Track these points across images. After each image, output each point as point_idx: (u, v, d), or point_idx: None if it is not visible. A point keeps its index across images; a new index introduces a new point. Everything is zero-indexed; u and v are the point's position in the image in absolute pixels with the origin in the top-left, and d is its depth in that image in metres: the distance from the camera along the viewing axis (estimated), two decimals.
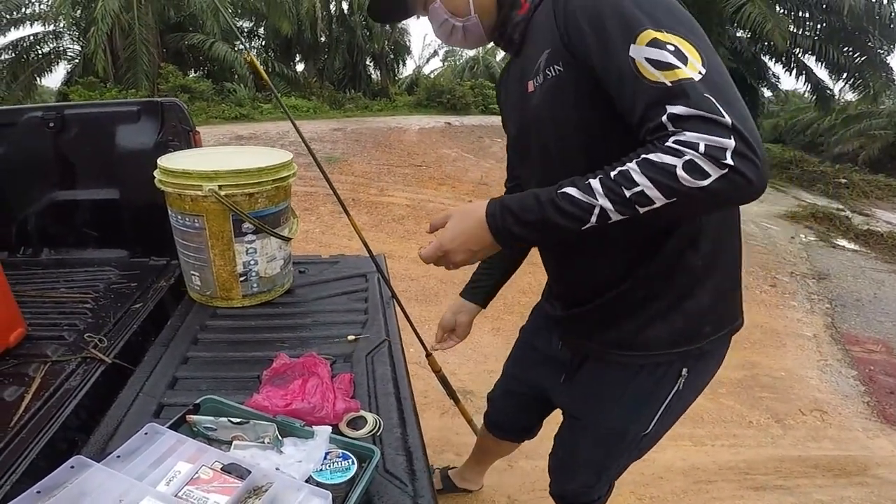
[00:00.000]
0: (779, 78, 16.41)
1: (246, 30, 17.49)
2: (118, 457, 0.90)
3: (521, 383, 1.58)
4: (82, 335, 1.43)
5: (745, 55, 14.68)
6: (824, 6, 11.71)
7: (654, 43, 0.76)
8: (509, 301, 3.89)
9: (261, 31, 18.08)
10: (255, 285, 1.64)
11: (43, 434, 1.08)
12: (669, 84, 0.74)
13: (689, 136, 0.72)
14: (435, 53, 25.85)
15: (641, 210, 0.77)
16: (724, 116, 0.72)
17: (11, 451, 1.03)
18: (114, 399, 1.19)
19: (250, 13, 16.73)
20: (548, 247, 1.17)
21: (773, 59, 14.49)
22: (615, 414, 1.21)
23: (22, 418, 1.12)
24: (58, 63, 15.88)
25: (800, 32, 12.57)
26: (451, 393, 1.88)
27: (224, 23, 14.70)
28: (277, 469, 0.92)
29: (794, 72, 13.99)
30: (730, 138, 0.71)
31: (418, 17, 1.12)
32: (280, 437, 1.00)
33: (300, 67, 20.81)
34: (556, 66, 0.91)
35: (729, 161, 0.71)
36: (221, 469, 0.89)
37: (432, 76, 24.10)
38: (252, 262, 1.59)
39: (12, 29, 15.08)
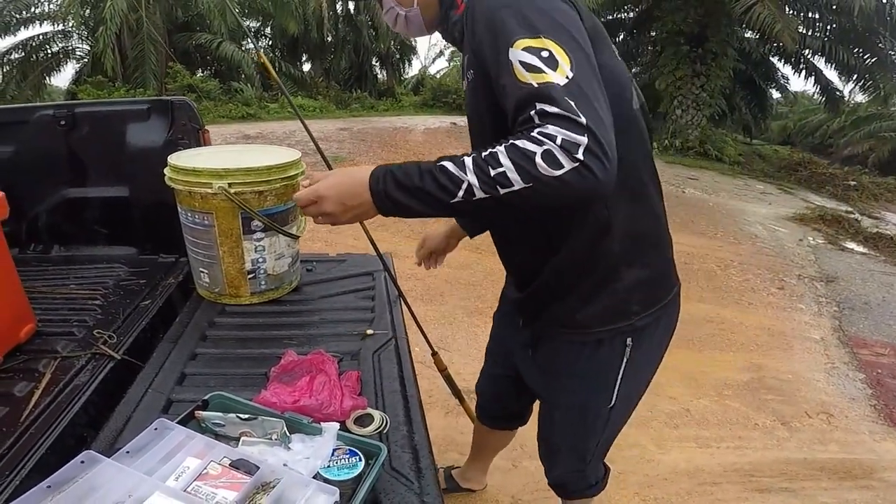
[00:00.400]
0: (788, 79, 16.41)
1: (253, 29, 17.54)
2: (127, 452, 0.91)
3: (501, 367, 1.63)
4: (92, 331, 1.44)
5: (753, 56, 14.64)
6: (834, 7, 11.66)
7: (529, 49, 0.85)
8: None
9: (267, 30, 18.16)
10: (263, 283, 1.64)
11: (52, 429, 1.09)
12: (536, 85, 0.83)
13: (549, 129, 0.80)
14: (441, 53, 25.94)
15: (502, 191, 0.83)
16: (580, 117, 0.80)
17: (21, 445, 1.04)
18: (122, 395, 1.20)
19: (257, 13, 16.80)
20: (422, 217, 1.11)
21: (783, 61, 14.47)
22: (573, 389, 1.29)
23: (32, 413, 1.13)
24: (66, 62, 16.01)
25: (809, 33, 12.53)
26: (456, 392, 1.89)
27: (232, 22, 14.75)
28: (285, 465, 0.92)
29: (803, 73, 13.97)
30: (584, 136, 0.79)
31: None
32: (288, 434, 1.00)
33: (307, 67, 20.90)
34: (471, 71, 1.01)
35: (580, 156, 0.79)
36: (230, 465, 0.90)
37: (438, 76, 24.16)
38: (260, 260, 1.60)
39: (22, 28, 15.21)
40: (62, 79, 16.83)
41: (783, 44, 10.51)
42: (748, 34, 13.62)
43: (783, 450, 2.80)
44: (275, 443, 1.00)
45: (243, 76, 16.35)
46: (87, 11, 14.51)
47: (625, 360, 1.21)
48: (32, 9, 15.09)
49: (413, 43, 22.14)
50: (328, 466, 0.95)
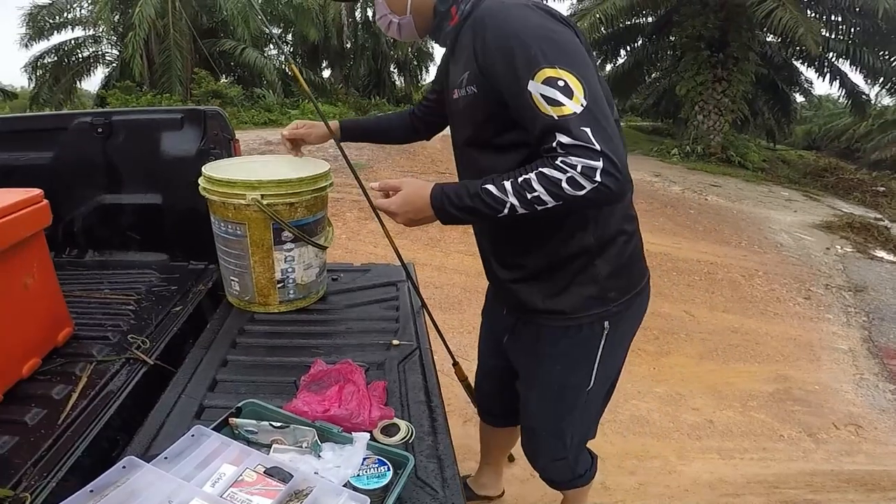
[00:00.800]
0: (811, 83, 16.14)
1: (275, 36, 17.78)
2: (166, 458, 0.93)
3: (493, 360, 1.66)
4: (126, 336, 1.48)
5: (776, 60, 14.43)
6: (858, 9, 11.44)
7: (548, 80, 0.96)
8: None
9: (289, 37, 18.37)
10: (291, 292, 1.67)
11: (88, 433, 1.12)
12: (557, 118, 0.96)
13: (571, 159, 0.94)
14: None
15: (539, 208, 0.99)
16: (594, 144, 0.94)
17: (58, 448, 1.07)
18: (154, 400, 1.23)
19: (279, 20, 17.02)
20: (477, 226, 1.38)
21: (806, 64, 14.22)
22: (553, 371, 1.37)
23: (69, 416, 1.16)
24: (97, 67, 16.39)
25: (833, 37, 12.32)
26: (476, 402, 1.89)
27: (255, 29, 14.96)
28: (316, 473, 0.94)
29: (827, 77, 13.70)
30: (599, 161, 0.93)
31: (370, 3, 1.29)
32: (319, 442, 1.02)
33: (326, 74, 21.10)
34: (471, 87, 1.12)
35: (598, 178, 0.94)
36: (264, 472, 0.92)
37: None
38: (290, 270, 1.63)
39: (55, 33, 15.62)
40: (92, 83, 17.26)
41: (806, 47, 10.35)
42: (770, 38, 13.43)
43: (809, 461, 2.75)
44: (305, 451, 1.02)
45: (265, 82, 16.57)
46: (117, 17, 14.84)
47: (602, 342, 1.31)
48: (65, 13, 15.50)
49: (430, 49, 22.25)
50: (358, 475, 0.96)
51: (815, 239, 7.20)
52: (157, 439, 1.09)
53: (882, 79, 12.55)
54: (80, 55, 16.13)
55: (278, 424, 1.04)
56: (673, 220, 7.02)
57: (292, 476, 0.90)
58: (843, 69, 13.40)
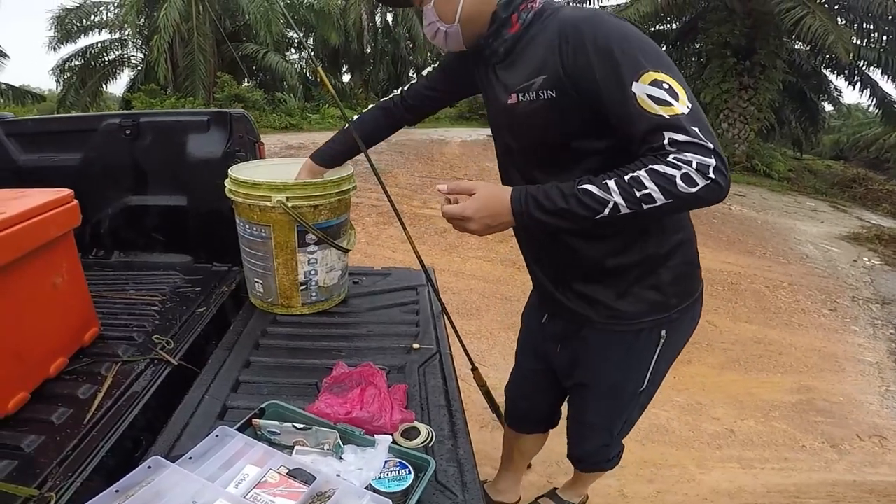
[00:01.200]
0: (841, 92, 15.80)
1: (295, 41, 17.99)
2: (190, 458, 0.94)
3: (530, 366, 1.70)
4: (150, 337, 1.49)
5: (804, 68, 14.19)
6: (890, 17, 11.20)
7: (654, 82, 0.98)
8: None
9: (310, 41, 18.58)
10: (314, 294, 1.68)
11: (113, 432, 1.13)
12: (668, 117, 0.97)
13: (686, 155, 0.96)
14: None
15: (645, 207, 0.98)
16: (707, 142, 0.96)
17: (84, 448, 1.08)
18: (177, 400, 1.24)
19: (300, 24, 17.23)
20: (556, 232, 1.28)
21: (835, 73, 13.95)
22: (612, 374, 1.41)
23: (94, 416, 1.18)
24: (122, 70, 16.70)
25: (864, 45, 12.05)
26: (495, 407, 1.88)
27: (277, 33, 15.14)
28: (338, 475, 0.94)
29: (857, 85, 13.42)
30: (712, 158, 0.96)
31: (420, 5, 1.25)
32: (342, 445, 1.02)
33: (346, 78, 21.27)
34: (549, 91, 1.10)
35: (711, 175, 0.96)
36: (287, 473, 0.93)
37: None
38: (313, 272, 1.64)
39: (82, 36, 15.95)
40: (118, 86, 17.59)
41: (836, 55, 10.16)
42: (799, 46, 13.22)
43: (831, 472, 2.71)
44: (327, 453, 1.02)
45: (286, 86, 16.76)
46: (143, 20, 15.11)
47: (658, 348, 1.35)
48: (92, 17, 15.82)
49: None
50: (379, 478, 0.96)
51: (841, 250, 7.07)
52: (181, 440, 1.10)
53: None
54: (106, 58, 16.44)
55: (301, 426, 1.05)
56: (696, 230, 6.91)
57: (315, 478, 0.91)
58: (873, 78, 13.14)
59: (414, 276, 1.99)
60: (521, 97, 1.16)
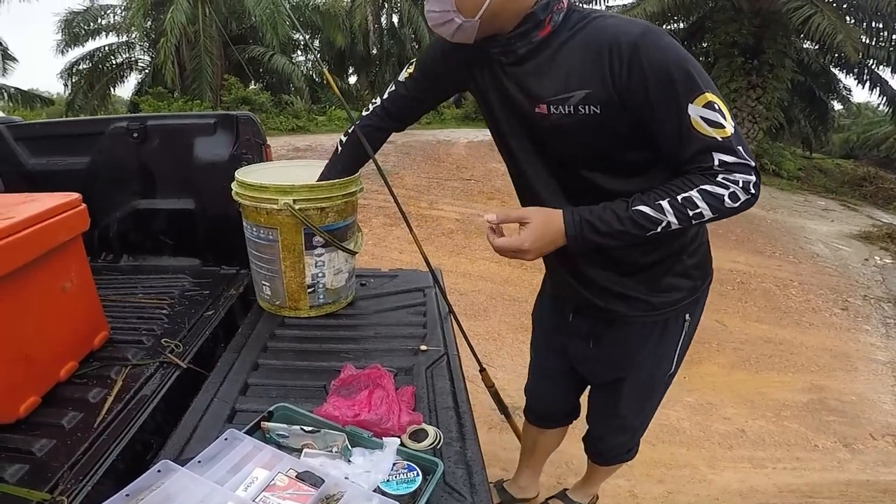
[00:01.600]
0: (850, 90, 15.67)
1: (301, 42, 18.02)
2: (199, 462, 0.94)
3: (549, 364, 1.71)
4: (160, 340, 1.50)
5: (813, 67, 14.09)
6: None
7: (708, 104, 1.02)
8: None
9: (316, 43, 18.61)
10: (321, 297, 1.68)
11: (123, 436, 1.14)
12: (720, 139, 1.02)
13: (734, 176, 1.03)
14: None
15: (695, 223, 1.07)
16: (750, 161, 1.04)
17: (94, 452, 1.09)
18: (186, 403, 1.24)
19: (306, 26, 17.27)
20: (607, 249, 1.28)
21: (844, 71, 13.84)
22: (649, 364, 1.45)
23: (105, 420, 1.18)
24: (129, 73, 16.78)
25: (873, 43, 11.95)
26: (503, 408, 1.87)
27: (283, 35, 15.17)
28: (347, 478, 0.94)
29: (867, 84, 13.31)
30: (753, 175, 1.04)
31: None
32: (350, 447, 1.02)
33: (352, 80, 21.30)
34: (592, 107, 1.07)
35: (752, 190, 1.05)
36: (296, 476, 0.92)
37: None
38: (320, 275, 1.64)
39: (90, 39, 16.04)
40: (126, 90, 17.69)
41: (845, 54, 10.07)
42: (807, 45, 13.12)
43: (844, 471, 2.70)
44: (336, 455, 1.02)
45: (293, 89, 16.80)
46: (149, 23, 15.19)
47: (684, 332, 1.41)
48: (99, 20, 15.90)
49: None
50: (387, 480, 0.96)
51: (852, 249, 7.01)
52: (190, 443, 1.10)
53: None
54: (113, 62, 16.51)
55: (309, 429, 1.05)
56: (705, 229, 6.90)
57: (323, 481, 0.91)
58: (883, 76, 13.04)
59: (421, 278, 1.98)
60: (553, 109, 1.11)
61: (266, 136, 1.99)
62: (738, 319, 4.39)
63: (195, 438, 1.11)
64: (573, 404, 1.81)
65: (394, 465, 0.99)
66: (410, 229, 1.61)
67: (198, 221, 2.04)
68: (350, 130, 1.52)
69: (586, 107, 1.07)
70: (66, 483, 0.99)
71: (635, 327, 1.38)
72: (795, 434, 2.95)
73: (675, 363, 1.47)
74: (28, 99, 15.17)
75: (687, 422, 2.91)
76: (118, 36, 16.47)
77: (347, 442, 1.03)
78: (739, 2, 11.48)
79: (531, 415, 1.88)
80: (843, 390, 3.49)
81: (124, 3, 15.46)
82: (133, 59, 16.80)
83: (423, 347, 1.50)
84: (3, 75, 14.61)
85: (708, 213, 1.05)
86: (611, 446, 1.71)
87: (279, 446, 1.04)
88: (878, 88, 13.27)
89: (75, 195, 1.36)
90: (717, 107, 1.02)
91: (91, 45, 16.17)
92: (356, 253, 1.73)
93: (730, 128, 1.03)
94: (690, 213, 1.04)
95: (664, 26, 14.24)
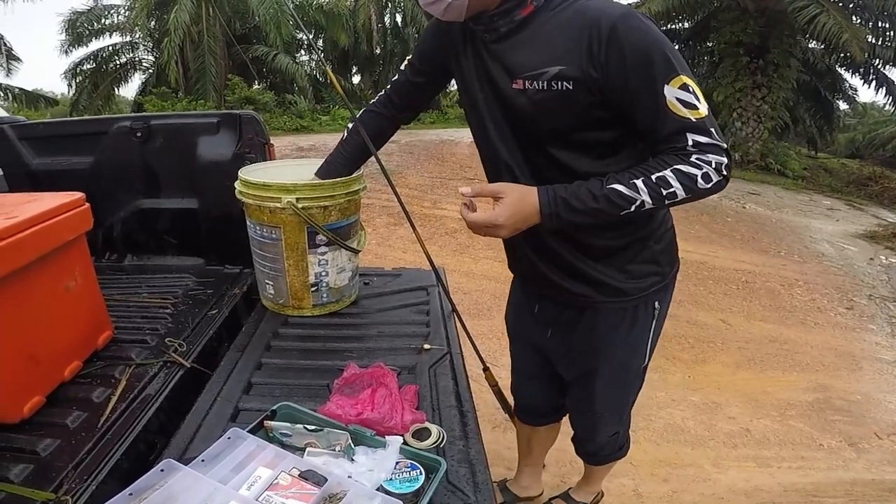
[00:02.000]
0: (856, 90, 15.65)
1: (305, 42, 18.06)
2: (202, 461, 0.94)
3: (527, 361, 1.71)
4: (163, 339, 1.50)
5: (818, 67, 14.06)
6: None
7: (683, 86, 1.04)
8: None
9: (320, 43, 18.64)
10: (324, 295, 1.68)
11: (127, 435, 1.14)
12: (694, 120, 1.05)
13: (707, 156, 1.06)
14: None
15: (667, 203, 1.09)
16: (722, 143, 1.07)
17: (98, 451, 1.09)
18: (189, 402, 1.24)
19: (310, 26, 17.30)
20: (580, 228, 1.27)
21: (850, 71, 13.81)
22: (620, 353, 1.44)
23: (109, 419, 1.18)
24: (133, 73, 16.84)
25: (879, 43, 11.92)
26: (507, 407, 1.87)
27: (287, 35, 15.19)
28: (350, 477, 0.94)
29: (872, 84, 13.28)
30: (724, 157, 1.07)
31: None
32: (353, 446, 1.02)
33: (356, 79, 21.32)
34: (564, 83, 1.08)
35: (724, 172, 1.08)
36: (299, 475, 0.92)
37: None
38: (323, 274, 1.64)
39: (94, 39, 16.10)
40: (130, 89, 17.73)
41: (851, 54, 10.05)
42: (813, 44, 13.08)
43: (849, 470, 2.69)
44: (339, 454, 1.01)
45: (297, 88, 16.82)
46: (153, 23, 15.22)
47: (654, 320, 1.41)
48: (103, 20, 15.95)
49: None
50: (390, 479, 0.96)
51: (858, 249, 6.98)
52: (194, 442, 1.10)
53: None
54: (117, 62, 16.58)
55: (312, 428, 1.05)
56: (709, 228, 6.89)
57: (326, 479, 0.90)
58: (889, 76, 13.02)
59: (424, 277, 1.98)
60: (528, 84, 1.12)
61: (269, 135, 1.99)
62: (742, 319, 4.37)
63: (199, 437, 1.11)
64: (557, 401, 1.78)
65: (397, 463, 0.99)
66: (414, 228, 1.61)
67: (201, 220, 2.03)
68: (358, 116, 1.55)
69: (559, 82, 1.08)
70: (70, 482, 0.99)
71: (604, 313, 1.38)
72: (800, 433, 2.94)
73: (647, 353, 1.47)
74: (32, 99, 15.24)
75: (691, 421, 2.90)
76: (122, 36, 16.57)
77: (350, 441, 1.02)
78: (745, 1, 11.46)
79: (519, 412, 1.88)
80: (849, 389, 3.47)
81: (128, 3, 15.53)
82: (137, 59, 16.88)
83: (427, 346, 1.50)
84: (8, 75, 14.71)
85: (681, 193, 1.07)
86: (598, 446, 1.69)
87: (282, 445, 1.03)
88: (884, 88, 13.25)
89: (79, 194, 1.36)
90: (691, 89, 1.04)
91: (95, 45, 16.28)
92: (359, 251, 1.73)
93: (703, 109, 1.05)
94: (664, 192, 1.06)
95: (670, 26, 14.24)
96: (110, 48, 16.43)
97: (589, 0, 1.08)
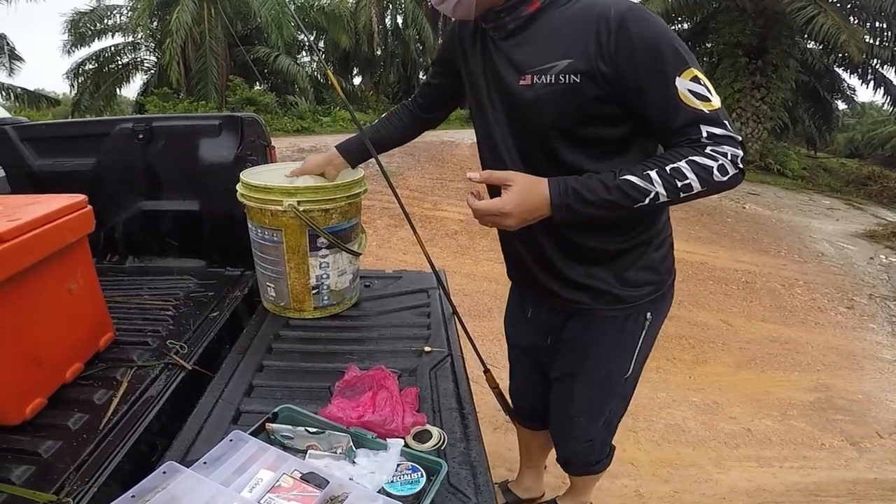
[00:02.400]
0: (854, 90, 15.68)
1: (306, 44, 18.06)
2: (205, 463, 0.94)
3: (523, 364, 1.69)
4: (165, 341, 1.50)
5: (817, 67, 14.07)
6: None
7: (695, 78, 1.02)
8: None
9: (321, 44, 18.64)
10: (325, 298, 1.69)
11: (129, 437, 1.14)
12: (707, 111, 1.03)
13: (722, 148, 1.02)
14: None
15: (683, 195, 1.04)
16: (738, 136, 1.04)
17: (100, 453, 1.09)
18: (191, 405, 1.24)
19: (311, 27, 17.29)
20: (586, 222, 1.22)
21: (848, 71, 13.83)
22: (603, 359, 1.41)
23: (110, 421, 1.18)
24: (135, 74, 16.81)
25: (877, 43, 11.93)
26: (507, 409, 1.87)
27: (288, 36, 15.19)
28: (351, 479, 0.94)
29: (871, 84, 13.30)
30: (740, 149, 1.04)
31: None
32: (354, 448, 1.02)
33: (357, 81, 21.33)
34: (572, 76, 1.07)
35: (740, 164, 1.04)
36: (301, 478, 0.93)
37: None
38: (324, 276, 1.65)
39: (96, 40, 16.08)
40: (131, 90, 17.72)
41: (849, 54, 10.06)
42: (811, 45, 13.09)
43: (851, 470, 2.69)
44: (340, 456, 1.02)
45: (298, 90, 16.82)
46: (155, 23, 15.20)
47: (644, 331, 1.37)
48: (105, 20, 15.93)
49: None
50: (392, 481, 0.96)
51: (857, 248, 6.99)
52: (196, 444, 1.10)
53: None
54: (119, 62, 16.54)
55: (313, 430, 1.05)
56: (709, 229, 6.89)
57: (328, 482, 0.91)
58: (887, 76, 13.03)
59: (425, 279, 1.98)
60: (535, 79, 1.11)
61: (271, 137, 2.00)
62: (743, 319, 4.38)
63: (200, 440, 1.11)
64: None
65: (398, 466, 1.00)
66: (414, 230, 1.61)
67: (203, 223, 2.04)
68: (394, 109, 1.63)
69: (567, 76, 1.07)
70: (72, 484, 1.00)
71: (595, 320, 1.35)
72: (802, 433, 2.94)
73: (632, 365, 1.43)
74: (34, 99, 15.23)
75: (693, 421, 2.91)
76: (124, 36, 16.54)
77: (352, 443, 1.03)
78: (743, 2, 11.47)
79: (518, 414, 1.87)
80: (850, 389, 3.48)
81: (130, 4, 15.52)
82: (139, 59, 16.86)
83: (427, 349, 1.50)
84: (10, 75, 14.69)
85: (696, 186, 1.03)
86: (570, 451, 1.66)
87: (284, 447, 1.04)
88: (882, 88, 13.27)
89: (81, 197, 1.36)
90: (702, 81, 1.03)
91: (97, 45, 16.24)
92: (360, 254, 1.73)
93: (716, 101, 1.03)
94: (679, 184, 1.02)
95: (669, 26, 14.23)
96: (112, 48, 16.41)
97: None
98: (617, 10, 1.02)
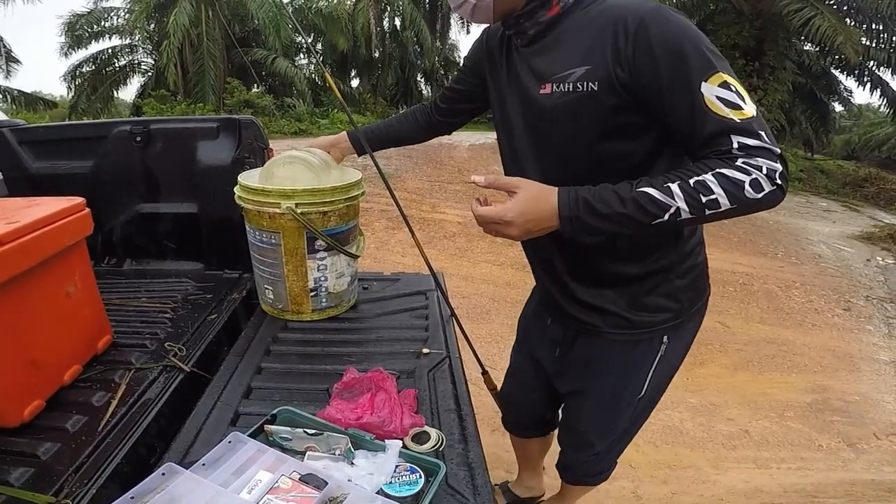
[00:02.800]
0: (851, 92, 15.71)
1: (304, 46, 18.08)
2: (203, 464, 0.95)
3: (526, 371, 1.66)
4: (163, 344, 1.50)
5: (813, 69, 14.11)
6: None
7: (724, 84, 0.92)
8: None
9: (318, 46, 18.65)
10: (324, 300, 1.69)
11: (127, 439, 1.14)
12: (738, 120, 0.91)
13: (756, 160, 0.90)
14: None
15: (709, 212, 0.92)
16: (775, 147, 0.92)
17: (98, 455, 1.09)
18: (189, 407, 1.24)
19: (309, 29, 17.31)
20: (603, 237, 1.17)
21: (845, 73, 13.87)
22: (611, 381, 1.36)
23: (109, 423, 1.19)
24: (132, 76, 16.81)
25: (874, 45, 11.97)
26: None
27: (286, 38, 15.20)
28: (349, 480, 0.95)
29: (867, 86, 13.34)
30: (778, 164, 0.91)
31: None
32: (353, 450, 1.02)
33: (355, 83, 21.36)
34: (590, 83, 1.00)
35: (778, 181, 0.91)
36: (299, 479, 0.93)
37: None
38: (322, 279, 1.65)
39: (93, 42, 16.07)
40: (128, 92, 17.70)
41: (845, 56, 10.09)
42: (808, 47, 13.14)
43: (849, 471, 2.71)
44: (339, 458, 1.02)
45: (296, 92, 16.83)
46: (153, 26, 15.19)
47: (658, 356, 1.29)
48: (103, 22, 15.93)
49: (457, 59, 22.37)
50: (390, 483, 0.97)
51: (854, 250, 7.02)
52: (194, 446, 1.10)
53: None
54: (116, 64, 16.54)
55: (312, 432, 1.05)
56: (706, 231, 6.84)
57: (327, 483, 0.91)
58: (884, 78, 13.06)
59: (423, 281, 1.99)
60: (555, 87, 1.05)
61: (268, 139, 2.00)
62: (740, 321, 4.39)
63: (199, 442, 1.11)
64: (545, 416, 1.75)
65: (396, 467, 1.00)
66: (412, 232, 1.62)
67: (201, 225, 2.04)
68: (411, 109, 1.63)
69: (584, 83, 1.00)
70: (70, 486, 1.00)
71: (608, 342, 1.29)
72: (799, 434, 2.96)
73: (646, 387, 1.35)
74: (31, 101, 15.20)
75: (690, 423, 2.92)
76: (121, 38, 16.54)
77: (350, 444, 1.03)
78: (740, 4, 11.52)
79: (506, 423, 1.85)
80: (847, 390, 3.50)
81: (127, 6, 15.52)
82: (136, 61, 16.86)
83: (426, 350, 1.51)
84: (7, 78, 14.67)
85: (725, 202, 0.91)
86: (573, 461, 1.63)
87: (282, 449, 1.04)
88: (878, 90, 13.30)
89: (79, 199, 1.36)
90: (733, 87, 0.92)
91: (94, 47, 16.25)
92: (358, 256, 1.73)
93: (749, 109, 0.92)
94: (704, 199, 0.90)
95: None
96: (109, 51, 16.40)
97: None
98: (636, 13, 0.96)
